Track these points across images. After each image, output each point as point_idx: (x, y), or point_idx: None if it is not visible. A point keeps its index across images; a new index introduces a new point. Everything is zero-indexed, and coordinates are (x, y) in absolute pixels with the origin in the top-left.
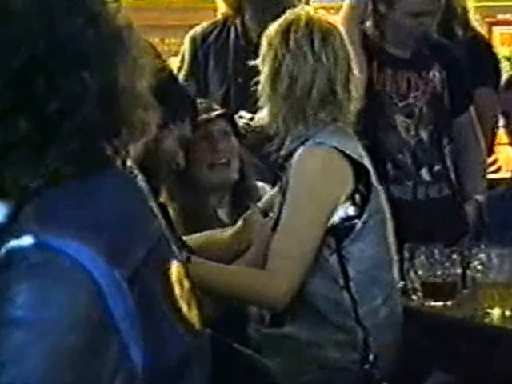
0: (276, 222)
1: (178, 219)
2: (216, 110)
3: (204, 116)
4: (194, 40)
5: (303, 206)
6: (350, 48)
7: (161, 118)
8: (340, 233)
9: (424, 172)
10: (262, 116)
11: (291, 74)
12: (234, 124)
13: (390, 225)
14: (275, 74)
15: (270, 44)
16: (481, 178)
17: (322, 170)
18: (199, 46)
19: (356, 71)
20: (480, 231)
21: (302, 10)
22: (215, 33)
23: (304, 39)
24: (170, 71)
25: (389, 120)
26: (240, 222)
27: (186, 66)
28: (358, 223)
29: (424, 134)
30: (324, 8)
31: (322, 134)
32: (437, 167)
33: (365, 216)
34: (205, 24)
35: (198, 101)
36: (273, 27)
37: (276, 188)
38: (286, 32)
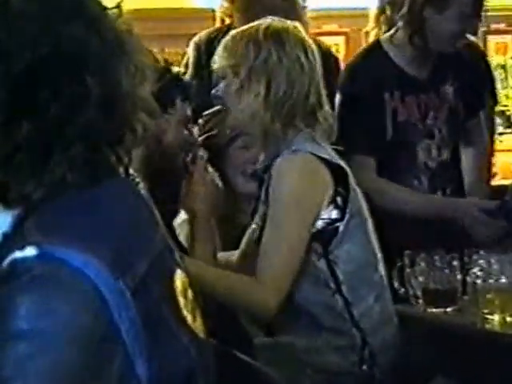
0: (260, 232)
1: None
2: None
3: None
4: (198, 46)
5: (287, 214)
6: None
7: None
8: (325, 237)
9: (438, 194)
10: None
11: (288, 77)
12: None
13: (370, 224)
14: (269, 75)
15: (257, 43)
16: (484, 185)
17: (302, 176)
18: (204, 51)
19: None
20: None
21: (281, 20)
22: (219, 39)
23: (298, 46)
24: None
25: (411, 149)
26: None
27: (190, 71)
28: (341, 226)
29: (446, 154)
30: (323, 16)
31: (295, 141)
32: (450, 188)
33: (346, 218)
34: (209, 30)
35: None
36: (253, 30)
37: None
38: (277, 35)
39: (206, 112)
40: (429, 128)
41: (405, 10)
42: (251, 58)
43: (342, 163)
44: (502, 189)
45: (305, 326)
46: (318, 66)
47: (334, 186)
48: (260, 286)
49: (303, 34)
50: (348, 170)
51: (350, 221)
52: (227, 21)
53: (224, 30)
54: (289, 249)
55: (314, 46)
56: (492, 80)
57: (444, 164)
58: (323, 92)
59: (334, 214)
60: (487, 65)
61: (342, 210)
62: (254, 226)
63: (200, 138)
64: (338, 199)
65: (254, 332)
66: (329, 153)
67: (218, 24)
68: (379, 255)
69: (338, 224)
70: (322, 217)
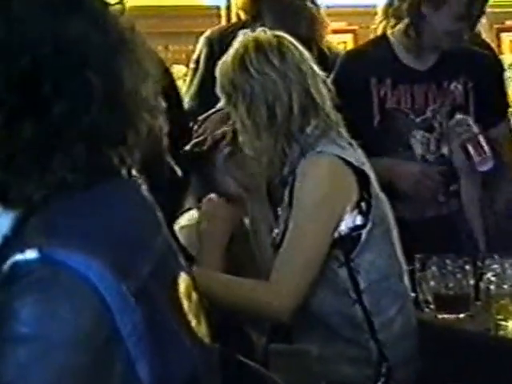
0: (283, 235)
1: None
2: None
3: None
4: (210, 41)
5: (310, 217)
6: (302, 48)
7: None
8: (347, 244)
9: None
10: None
11: (267, 101)
12: None
13: (395, 233)
14: (250, 109)
15: (233, 84)
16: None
17: (327, 178)
18: (217, 47)
19: (316, 67)
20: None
21: (246, 37)
22: (232, 36)
23: (263, 63)
24: None
25: (402, 139)
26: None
27: (201, 66)
28: (364, 233)
29: (446, 150)
30: (331, 14)
31: (320, 143)
32: (453, 187)
33: (369, 225)
34: (222, 26)
35: None
36: (226, 66)
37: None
38: (242, 65)
39: (201, 117)
40: (427, 120)
41: (406, 3)
42: (229, 95)
43: (367, 169)
44: None
45: (321, 334)
46: (292, 66)
47: (359, 191)
48: (275, 289)
49: (264, 40)
50: (372, 176)
51: (373, 229)
52: (233, 19)
53: (238, 28)
54: (308, 252)
55: (282, 46)
56: (503, 82)
57: (443, 159)
58: (312, 84)
59: (358, 220)
60: (501, 69)
61: (366, 217)
62: (276, 230)
63: (186, 147)
64: (363, 204)
65: (257, 338)
66: (355, 156)
67: (223, 22)
68: (404, 266)
69: (360, 231)
70: (346, 222)
